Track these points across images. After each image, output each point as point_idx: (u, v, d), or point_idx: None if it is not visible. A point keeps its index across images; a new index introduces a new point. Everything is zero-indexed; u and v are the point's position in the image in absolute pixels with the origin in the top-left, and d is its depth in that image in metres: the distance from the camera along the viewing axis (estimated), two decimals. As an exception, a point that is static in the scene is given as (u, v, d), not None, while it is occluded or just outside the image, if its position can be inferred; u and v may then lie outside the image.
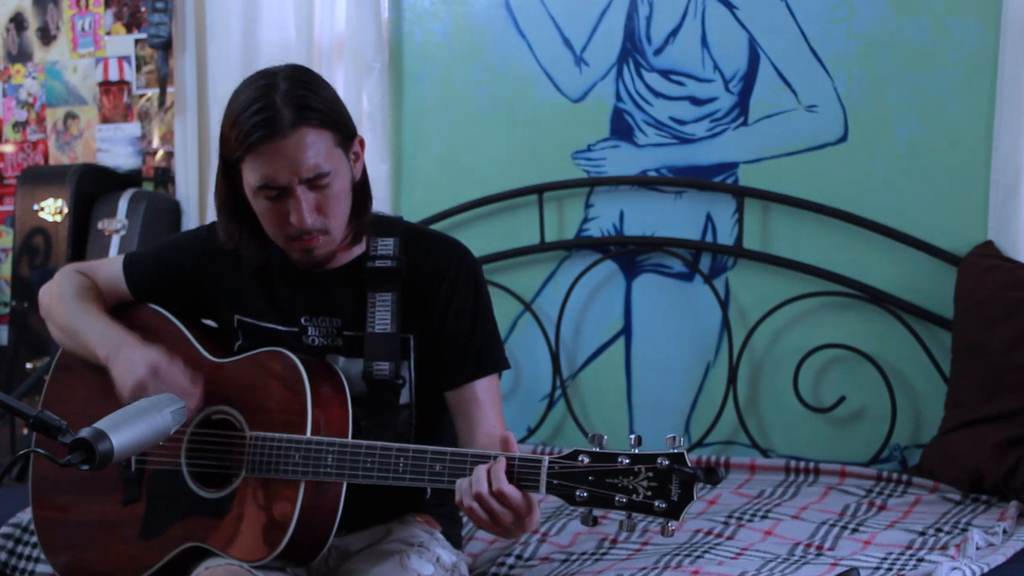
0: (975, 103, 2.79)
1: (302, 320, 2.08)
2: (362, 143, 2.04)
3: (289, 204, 1.94)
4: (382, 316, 2.04)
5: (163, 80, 3.94)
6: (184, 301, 2.17)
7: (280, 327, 2.09)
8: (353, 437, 1.96)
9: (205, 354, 2.09)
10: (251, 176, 1.94)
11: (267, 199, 1.95)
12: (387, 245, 2.07)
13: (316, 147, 1.92)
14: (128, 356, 2.02)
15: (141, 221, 3.80)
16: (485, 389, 2.05)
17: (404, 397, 2.08)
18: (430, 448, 1.84)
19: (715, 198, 3.08)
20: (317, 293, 2.08)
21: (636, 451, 1.70)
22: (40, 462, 2.17)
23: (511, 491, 1.74)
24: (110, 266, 2.22)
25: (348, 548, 2.07)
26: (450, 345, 2.06)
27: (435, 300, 2.06)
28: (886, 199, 2.89)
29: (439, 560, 2.03)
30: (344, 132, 1.98)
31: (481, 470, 1.76)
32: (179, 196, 3.90)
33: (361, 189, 2.05)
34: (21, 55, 4.27)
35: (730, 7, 3.03)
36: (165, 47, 3.87)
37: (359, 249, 2.09)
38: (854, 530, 2.37)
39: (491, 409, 2.05)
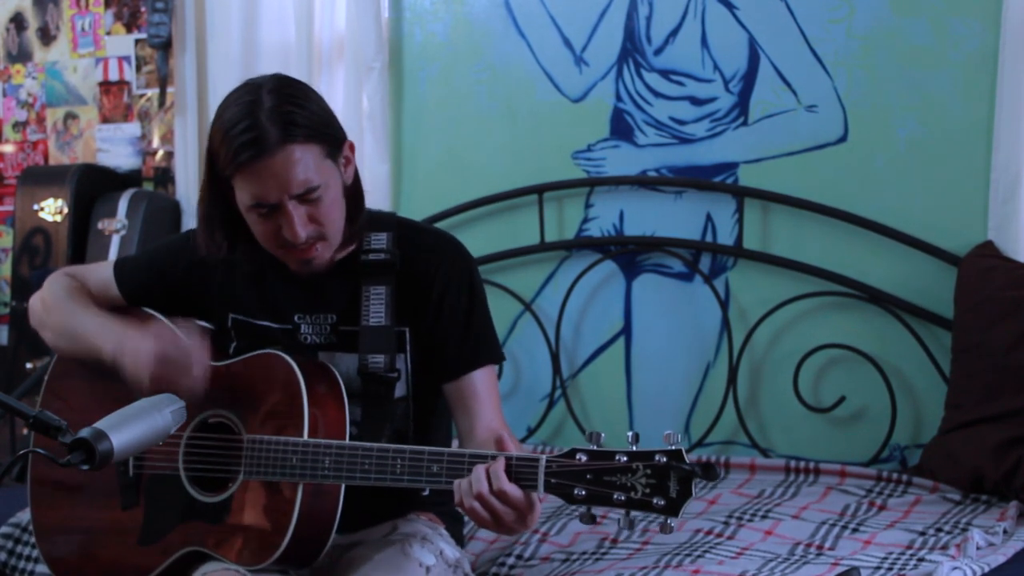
0: (975, 103, 2.78)
1: (295, 318, 2.08)
2: (352, 147, 2.03)
3: (281, 219, 1.94)
4: (376, 309, 2.04)
5: (163, 80, 3.94)
6: (178, 304, 2.16)
7: (273, 325, 2.09)
8: (351, 434, 1.96)
9: None
10: (242, 194, 1.95)
11: (259, 215, 1.96)
12: (380, 240, 2.07)
13: (304, 162, 1.91)
14: (135, 350, 1.98)
15: (141, 221, 3.80)
16: (483, 381, 2.05)
17: (400, 390, 2.07)
18: (427, 449, 1.83)
19: (715, 198, 3.08)
20: (310, 290, 2.08)
21: (634, 448, 1.70)
22: (38, 468, 2.17)
23: (512, 489, 1.73)
24: (100, 271, 2.20)
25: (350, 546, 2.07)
26: (446, 337, 2.05)
27: (430, 293, 2.06)
28: (886, 199, 2.88)
29: (442, 554, 2.03)
30: (332, 142, 1.97)
31: (480, 470, 1.76)
32: (179, 196, 3.91)
33: (354, 192, 2.05)
34: (21, 55, 4.27)
35: (730, 7, 3.03)
36: (165, 47, 3.87)
37: (352, 245, 2.09)
38: (854, 530, 2.37)
39: (489, 402, 2.04)
